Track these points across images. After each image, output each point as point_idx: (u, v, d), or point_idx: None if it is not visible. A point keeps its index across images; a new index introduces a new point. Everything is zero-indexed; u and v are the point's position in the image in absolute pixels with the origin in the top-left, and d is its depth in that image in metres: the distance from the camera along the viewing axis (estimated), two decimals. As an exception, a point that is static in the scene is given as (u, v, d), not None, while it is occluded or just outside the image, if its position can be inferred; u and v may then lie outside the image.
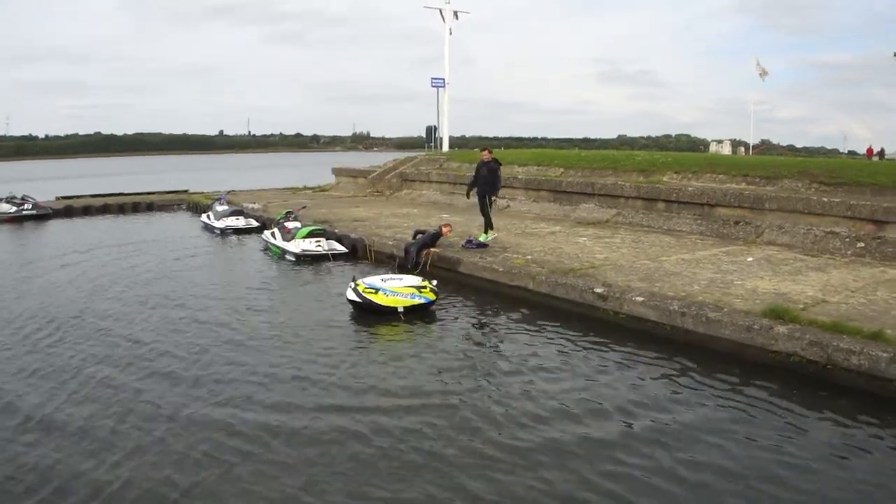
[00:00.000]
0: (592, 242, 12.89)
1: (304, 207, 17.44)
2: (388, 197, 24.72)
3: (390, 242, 13.44)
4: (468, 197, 13.62)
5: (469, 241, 12.39)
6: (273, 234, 14.79)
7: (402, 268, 11.76)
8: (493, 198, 12.94)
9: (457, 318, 9.01)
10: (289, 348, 7.76)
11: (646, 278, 9.45)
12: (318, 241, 13.86)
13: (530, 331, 8.44)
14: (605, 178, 18.41)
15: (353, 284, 9.30)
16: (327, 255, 13.49)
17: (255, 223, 18.55)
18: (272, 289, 10.68)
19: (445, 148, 31.92)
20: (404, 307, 8.89)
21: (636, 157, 20.10)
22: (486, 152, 13.04)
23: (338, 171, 30.78)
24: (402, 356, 7.43)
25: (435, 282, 9.51)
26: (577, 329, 8.46)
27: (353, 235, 14.35)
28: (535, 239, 13.47)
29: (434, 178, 23.68)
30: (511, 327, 8.61)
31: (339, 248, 13.97)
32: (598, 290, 8.88)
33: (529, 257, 11.22)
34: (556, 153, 23.94)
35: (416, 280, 9.49)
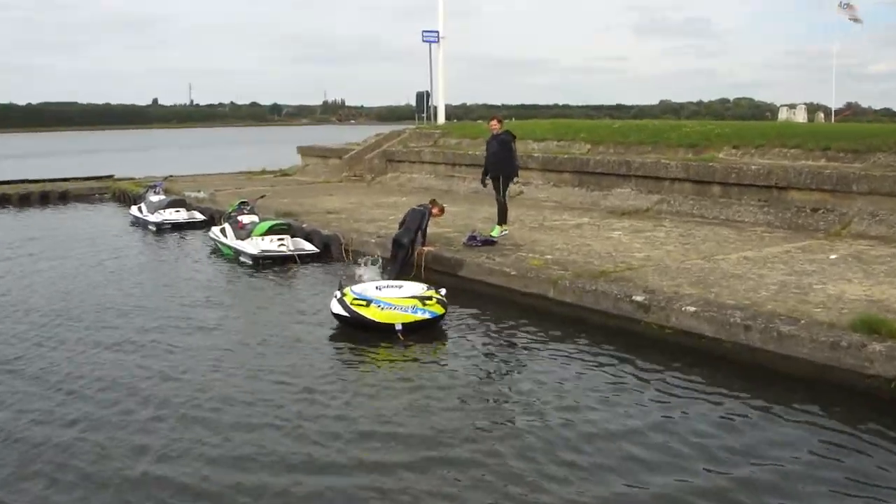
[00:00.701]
0: (629, 237, 12.88)
1: (262, 197, 17.45)
2: (370, 182, 24.78)
3: (373, 240, 13.45)
4: (484, 184, 13.63)
5: (472, 238, 12.38)
6: (224, 231, 14.78)
7: (399, 273, 11.80)
8: (515, 179, 12.94)
9: (462, 338, 9.00)
10: (250, 383, 7.48)
11: (698, 282, 9.44)
12: (282, 240, 13.89)
13: (554, 352, 8.41)
14: (644, 155, 18.41)
15: (339, 294, 9.32)
16: (293, 256, 13.51)
17: (199, 217, 18.57)
18: (224, 302, 10.66)
19: (441, 119, 31.93)
20: (403, 324, 8.89)
21: (684, 127, 20.12)
22: (494, 122, 13.09)
23: (305, 151, 30.98)
24: (400, 390, 7.32)
25: (443, 291, 9.52)
26: (612, 348, 8.43)
27: (325, 232, 14.37)
28: (556, 234, 13.47)
29: (427, 158, 23.78)
30: (530, 348, 8.58)
31: (308, 247, 13.99)
32: (638, 299, 8.84)
33: (549, 257, 11.22)
34: (581, 124, 23.99)
35: (419, 289, 9.50)
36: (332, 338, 9.02)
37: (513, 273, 10.47)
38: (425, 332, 9.02)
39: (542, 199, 18.57)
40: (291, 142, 35.12)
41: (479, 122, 35.13)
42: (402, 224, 12.17)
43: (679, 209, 15.66)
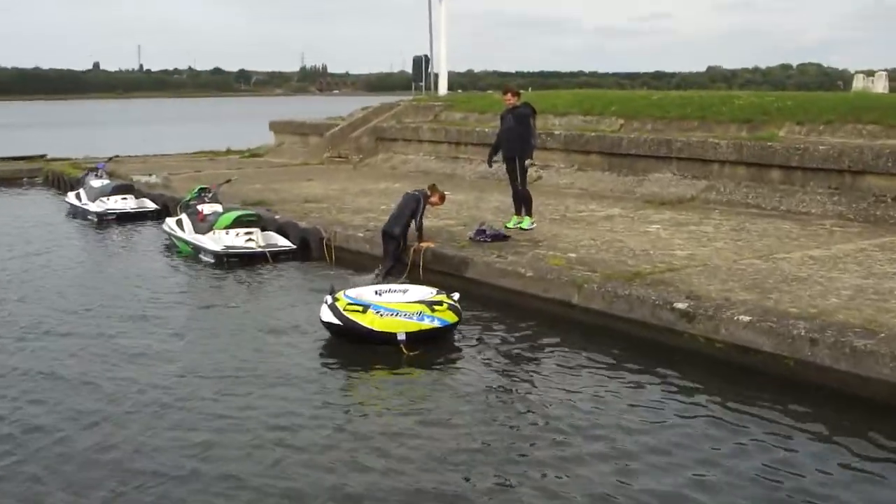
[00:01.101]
0: (670, 232, 12.88)
1: (227, 182, 17.45)
2: (356, 165, 24.79)
3: (360, 234, 13.45)
4: (490, 164, 13.66)
5: (481, 232, 12.38)
6: (180, 224, 14.80)
7: (389, 273, 11.95)
8: (528, 161, 13.06)
9: (471, 352, 9.00)
10: (222, 419, 7.22)
11: (754, 287, 9.42)
12: (250, 234, 13.92)
13: (579, 370, 8.39)
14: (688, 132, 18.38)
15: (329, 298, 9.35)
16: (264, 254, 13.54)
17: (151, 206, 18.60)
18: (177, 316, 10.56)
19: (443, 90, 31.95)
20: (407, 333, 8.91)
21: (736, 99, 20.12)
22: (508, 95, 13.13)
23: (279, 127, 31.06)
24: (400, 416, 7.24)
25: (456, 295, 9.54)
26: (650, 365, 8.40)
27: (302, 224, 14.39)
28: (582, 227, 13.48)
29: (426, 137, 23.85)
30: (550, 364, 8.56)
31: (283, 243, 14.04)
32: (681, 306, 8.82)
33: (573, 256, 11.22)
34: (612, 96, 24.00)
35: (427, 293, 9.54)
36: (319, 353, 9.00)
37: (529, 274, 10.46)
38: (433, 344, 9.00)
39: (565, 186, 18.53)
40: (262, 116, 35.15)
41: (490, 92, 35.16)
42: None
43: (730, 198, 15.65)
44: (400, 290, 9.71)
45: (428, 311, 9.02)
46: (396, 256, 11.85)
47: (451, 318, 9.15)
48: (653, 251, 11.41)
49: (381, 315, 8.95)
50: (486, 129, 21.70)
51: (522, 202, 13.24)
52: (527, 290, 10.40)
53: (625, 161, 18.25)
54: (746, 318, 8.31)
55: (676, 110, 20.04)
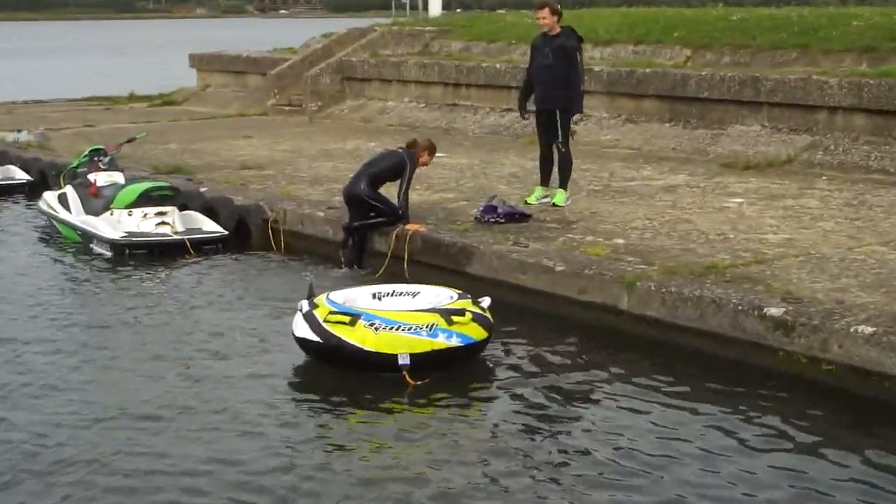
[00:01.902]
0: (758, 208, 12.96)
1: (131, 141, 17.38)
2: (314, 116, 24.77)
3: (320, 213, 13.49)
4: (524, 115, 13.81)
5: (490, 210, 12.46)
6: (64, 201, 14.82)
7: (351, 264, 12.15)
8: (577, 117, 13.18)
9: (486, 376, 9.04)
10: (140, 477, 7.14)
11: (878, 285, 9.45)
12: (163, 215, 13.96)
13: (634, 401, 8.36)
14: (783, 68, 18.40)
15: (306, 305, 9.35)
16: (183, 242, 13.55)
17: (21, 176, 18.58)
18: (68, 333, 10.46)
19: (436, 10, 31.92)
20: (412, 355, 8.87)
21: (854, 19, 20.13)
22: (545, 13, 13.08)
23: (203, 63, 31.09)
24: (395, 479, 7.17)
25: (487, 301, 9.49)
26: (733, 398, 8.37)
27: (239, 200, 14.42)
28: (632, 201, 13.57)
29: (412, 76, 23.93)
30: (597, 401, 8.50)
31: (209, 226, 14.05)
32: (775, 312, 8.84)
33: (620, 242, 11.26)
34: (674, 16, 23.99)
35: (444, 297, 9.55)
36: (294, 382, 8.97)
37: (560, 269, 10.48)
38: (448, 371, 8.91)
39: (608, 144, 18.54)
40: (179, 47, 35.11)
41: (501, 12, 35.08)
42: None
43: (843, 160, 15.71)
44: (407, 293, 9.75)
45: (443, 324, 8.96)
46: (363, 232, 11.95)
47: (476, 333, 9.09)
48: (733, 235, 11.42)
49: (377, 329, 8.90)
50: (497, 65, 21.72)
51: (560, 170, 13.31)
52: (556, 291, 10.40)
53: (693, 108, 18.25)
54: (868, 330, 8.30)
55: (767, 35, 20.03)
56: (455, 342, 8.96)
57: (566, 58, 12.89)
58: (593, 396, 8.54)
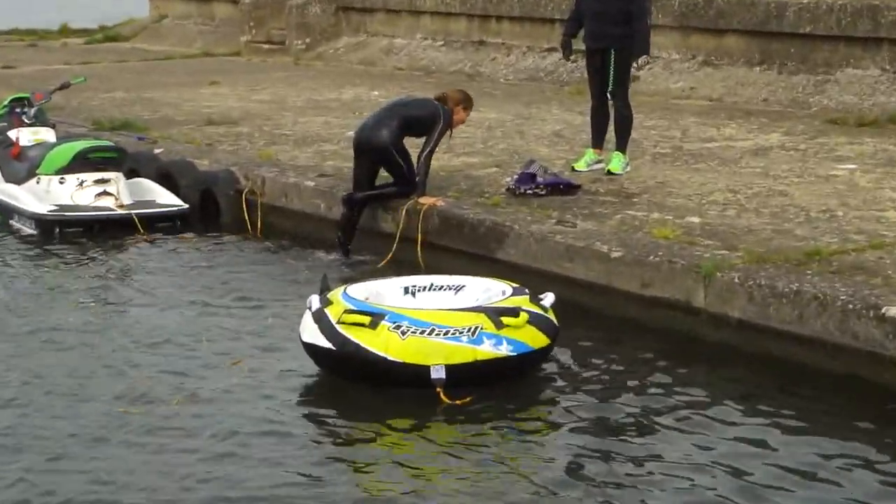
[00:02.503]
0: (875, 176, 12.97)
1: (65, 87, 17.42)
2: (300, 56, 24.78)
3: (310, 182, 13.56)
4: (567, 54, 13.80)
5: (528, 178, 12.53)
6: (-25, 164, 14.83)
7: (344, 246, 12.38)
8: (643, 59, 13.28)
9: (532, 388, 9.08)
10: None
11: None
12: (105, 183, 14.04)
13: (719, 427, 8.35)
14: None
15: (316, 301, 9.40)
16: (130, 218, 13.61)
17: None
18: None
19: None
20: (448, 367, 8.83)
21: None
22: None
23: (156, -14, 30.90)
24: None
25: (550, 298, 9.48)
26: (844, 423, 8.35)
27: (203, 165, 14.53)
28: (710, 167, 13.64)
29: (427, 5, 23.96)
30: (672, 427, 8.45)
31: (165, 198, 14.18)
32: (895, 313, 8.81)
33: (695, 221, 11.29)
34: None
35: (494, 291, 9.55)
36: (306, 400, 9.00)
37: (616, 255, 10.51)
38: (491, 386, 8.91)
39: (680, 94, 18.53)
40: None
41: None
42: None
43: None
44: (449, 287, 9.79)
45: (490, 327, 8.90)
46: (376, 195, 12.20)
47: (533, 340, 9.04)
48: (842, 212, 11.40)
49: (404, 333, 8.85)
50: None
51: (617, 127, 13.33)
52: (612, 283, 10.43)
53: (790, 47, 18.24)
54: None
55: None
56: (505, 351, 8.88)
57: None
58: (660, 422, 8.48)
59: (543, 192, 12.27)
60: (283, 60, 24.48)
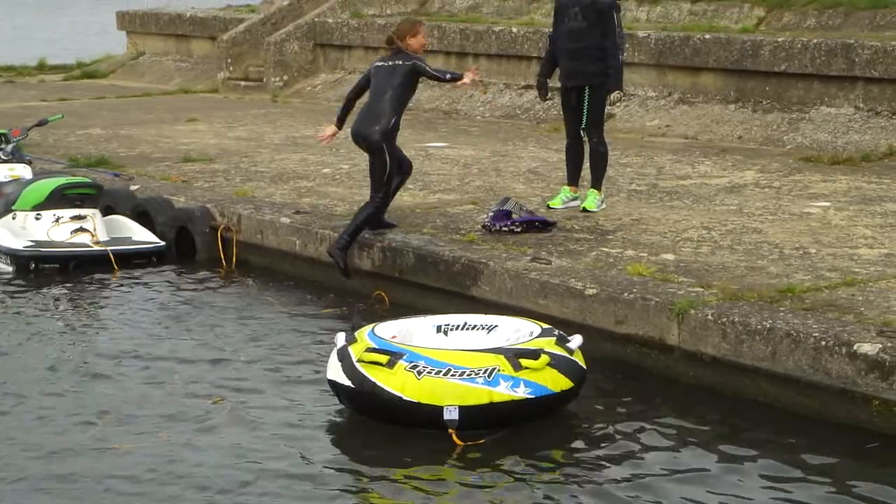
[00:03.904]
0: (848, 214, 13.00)
1: (42, 124, 17.40)
2: (278, 94, 24.77)
3: (285, 219, 13.54)
4: (543, 93, 13.84)
5: (503, 215, 12.53)
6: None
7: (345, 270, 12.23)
8: (616, 94, 13.28)
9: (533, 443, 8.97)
10: None
11: None
12: (81, 219, 14.01)
13: (688, 468, 8.35)
14: (884, 32, 18.39)
15: (342, 339, 9.42)
16: (106, 255, 13.58)
17: None
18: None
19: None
20: (462, 408, 8.77)
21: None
22: None
23: (135, 23, 31.12)
24: None
25: (577, 340, 9.36)
26: (818, 466, 8.33)
27: (180, 202, 14.53)
28: (685, 205, 13.66)
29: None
30: (642, 470, 8.44)
31: (141, 235, 14.15)
32: (868, 350, 8.80)
33: (669, 258, 11.32)
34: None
35: (524, 331, 9.49)
36: (284, 453, 8.79)
37: (591, 292, 10.50)
38: (504, 429, 8.84)
39: (655, 130, 18.55)
40: (102, 4, 35.07)
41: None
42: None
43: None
44: (483, 327, 9.73)
45: (508, 369, 8.81)
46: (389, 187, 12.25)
47: (553, 383, 8.93)
48: (816, 249, 11.41)
49: (420, 373, 8.80)
50: (514, 29, 21.75)
51: (592, 165, 13.35)
52: (586, 320, 10.41)
53: (765, 85, 18.30)
54: None
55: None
56: (522, 393, 8.78)
57: (601, 19, 12.87)
58: (637, 460, 8.48)
59: (519, 230, 12.24)
60: (260, 97, 24.48)
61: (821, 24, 19.56)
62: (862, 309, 9.53)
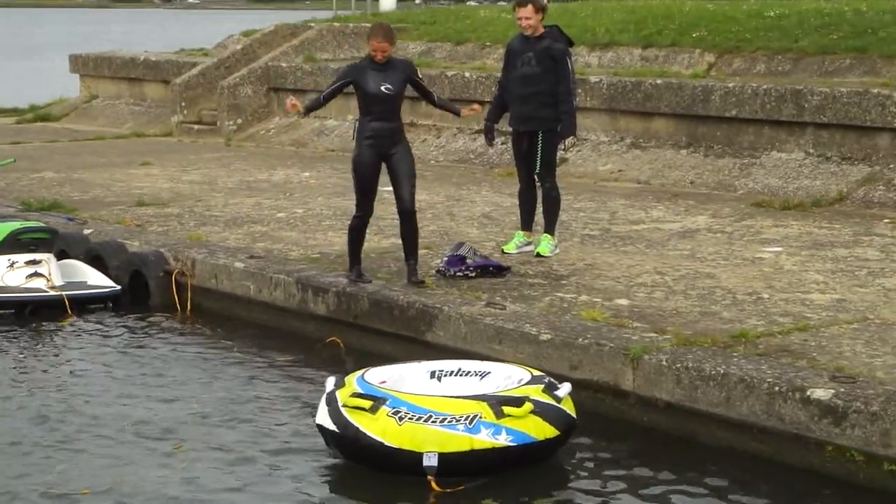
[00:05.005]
0: (800, 259, 13.07)
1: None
2: (232, 137, 24.76)
3: (239, 264, 13.48)
4: (490, 139, 13.88)
5: (457, 260, 12.56)
6: None
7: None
8: (569, 141, 13.41)
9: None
10: None
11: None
12: (35, 264, 13.94)
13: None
14: (833, 78, 18.53)
15: (332, 383, 9.40)
16: (60, 299, 13.51)
17: None
18: None
19: (388, 4, 32.01)
20: (441, 454, 8.70)
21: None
22: (527, 10, 13.09)
23: (88, 67, 31.09)
24: None
25: (565, 388, 9.29)
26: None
27: (134, 246, 14.45)
28: (638, 250, 13.70)
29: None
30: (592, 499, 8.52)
31: (96, 280, 14.09)
32: (822, 395, 8.83)
33: (623, 303, 11.33)
34: (693, 12, 24.14)
35: (514, 377, 9.44)
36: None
37: (545, 337, 10.50)
38: (483, 476, 8.79)
39: (608, 175, 18.61)
40: (57, 44, 35.00)
41: (472, 4, 35.13)
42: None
43: (911, 197, 15.83)
44: (476, 373, 9.70)
45: (489, 416, 8.76)
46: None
47: (537, 431, 8.86)
48: (768, 294, 11.46)
49: (401, 418, 8.77)
50: (467, 74, 21.81)
51: (545, 210, 13.39)
52: (541, 365, 10.30)
53: (716, 131, 18.42)
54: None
55: (812, 37, 20.17)
56: (504, 441, 8.72)
57: (555, 65, 12.93)
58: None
59: (473, 275, 12.26)
60: (214, 141, 24.42)
61: (770, 69, 19.70)
62: (815, 354, 9.58)
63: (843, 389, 8.80)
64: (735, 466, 8.98)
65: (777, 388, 9.00)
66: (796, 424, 8.85)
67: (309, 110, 12.66)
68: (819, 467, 8.70)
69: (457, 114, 12.74)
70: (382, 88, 11.93)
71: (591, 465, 9.21)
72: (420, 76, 12.38)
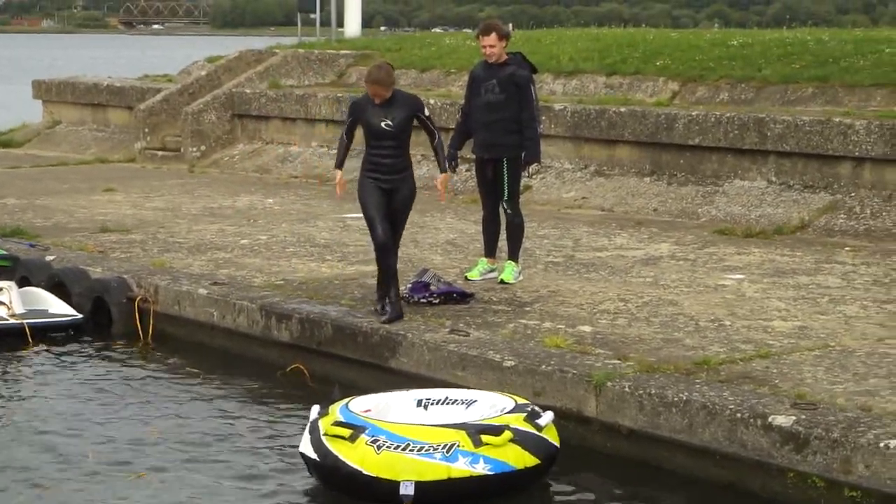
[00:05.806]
0: (762, 287, 13.11)
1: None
2: (196, 164, 24.69)
3: (203, 291, 13.47)
4: (452, 166, 13.62)
5: (421, 287, 12.58)
6: None
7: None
8: (533, 167, 13.44)
9: None
10: None
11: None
12: (-6, 292, 13.85)
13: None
14: (795, 107, 18.62)
15: (316, 411, 9.40)
16: (21, 329, 13.46)
17: None
18: None
19: (353, 28, 32.07)
20: (418, 483, 8.67)
21: (884, 45, 20.50)
22: (491, 38, 13.10)
23: (51, 92, 30.97)
24: None
25: (547, 417, 9.28)
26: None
27: (96, 273, 14.42)
28: (602, 277, 13.72)
29: (323, 113, 24.09)
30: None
31: (58, 308, 14.01)
32: (783, 422, 8.87)
33: (587, 330, 11.34)
34: (656, 40, 24.28)
35: (497, 406, 9.44)
36: None
37: (509, 364, 10.50)
38: None
39: (571, 202, 18.63)
40: (19, 71, 34.92)
41: (437, 31, 35.25)
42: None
43: (872, 225, 15.95)
44: (462, 402, 9.69)
45: (468, 445, 8.76)
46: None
47: (517, 459, 8.84)
48: (730, 322, 11.51)
49: (379, 447, 8.78)
50: (432, 101, 21.76)
51: (509, 237, 13.41)
52: (504, 392, 10.23)
53: (679, 158, 18.48)
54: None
55: (775, 66, 20.26)
56: (481, 469, 8.71)
57: (519, 92, 12.96)
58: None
59: (437, 301, 12.28)
60: (178, 167, 24.37)
61: (733, 98, 19.77)
62: (776, 381, 9.62)
63: (804, 416, 8.84)
64: (697, 493, 9.02)
65: (739, 415, 9.03)
66: (758, 451, 8.88)
67: (342, 163, 12.55)
68: (781, 494, 8.72)
69: (440, 170, 12.53)
70: (382, 125, 11.90)
71: (554, 492, 9.21)
72: (428, 113, 12.19)
